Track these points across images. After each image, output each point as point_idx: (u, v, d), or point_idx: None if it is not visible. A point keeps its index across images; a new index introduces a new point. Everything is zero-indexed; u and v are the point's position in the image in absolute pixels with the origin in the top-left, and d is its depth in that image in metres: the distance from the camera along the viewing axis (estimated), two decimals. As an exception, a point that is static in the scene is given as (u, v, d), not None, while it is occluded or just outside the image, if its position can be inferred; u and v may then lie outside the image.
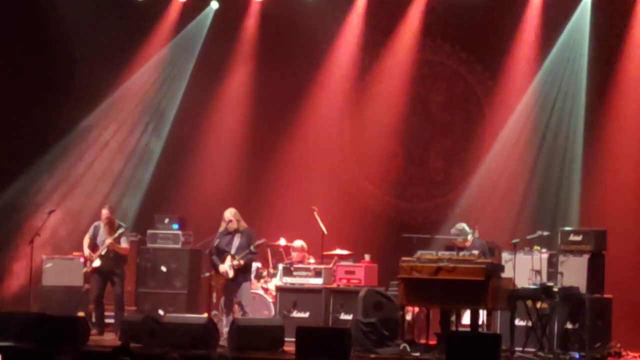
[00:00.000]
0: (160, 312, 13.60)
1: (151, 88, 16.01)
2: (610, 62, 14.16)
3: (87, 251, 13.58)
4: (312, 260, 13.84)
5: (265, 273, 14.05)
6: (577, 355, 11.94)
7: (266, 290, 13.81)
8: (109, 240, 13.44)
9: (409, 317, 12.68)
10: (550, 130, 14.57)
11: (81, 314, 13.25)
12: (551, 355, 11.89)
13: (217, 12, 15.80)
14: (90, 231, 13.71)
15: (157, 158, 15.77)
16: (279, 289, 13.53)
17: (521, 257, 12.68)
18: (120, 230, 13.53)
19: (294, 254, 13.94)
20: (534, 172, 14.59)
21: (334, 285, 13.42)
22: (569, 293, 12.24)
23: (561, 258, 12.71)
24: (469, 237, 12.63)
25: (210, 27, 15.82)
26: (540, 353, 11.95)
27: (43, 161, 15.36)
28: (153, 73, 16.04)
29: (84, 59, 15.43)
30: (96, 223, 13.73)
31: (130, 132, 15.97)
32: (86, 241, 13.65)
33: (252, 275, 13.44)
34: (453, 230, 12.70)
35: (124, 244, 13.63)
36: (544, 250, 12.88)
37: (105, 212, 13.65)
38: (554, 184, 14.42)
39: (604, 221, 13.45)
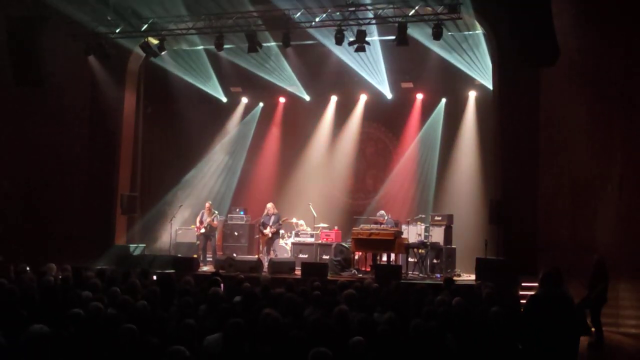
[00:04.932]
0: (234, 255, 13.66)
1: (230, 147, 15.86)
2: (453, 129, 14.17)
3: (197, 224, 13.59)
4: (309, 229, 13.88)
5: (286, 236, 14.01)
6: (438, 275, 11.97)
7: (286, 244, 13.82)
8: (208, 219, 13.43)
9: (357, 257, 12.77)
10: (423, 163, 14.46)
11: (195, 256, 13.30)
12: (426, 276, 11.95)
13: (262, 108, 15.82)
14: (199, 215, 13.72)
15: (236, 180, 15.64)
16: (293, 244, 13.54)
17: (411, 227, 12.84)
18: (214, 214, 13.52)
19: (300, 226, 13.95)
20: (415, 183, 14.42)
21: (320, 241, 13.42)
22: (435, 245, 12.37)
23: (431, 228, 12.83)
24: (386, 217, 12.77)
25: (259, 116, 15.82)
26: (421, 275, 12.05)
27: (179, 183, 15.34)
28: (231, 139, 15.91)
29: (195, 136, 15.39)
30: (202, 210, 13.72)
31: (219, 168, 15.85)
32: (197, 220, 13.66)
33: (280, 236, 13.46)
34: (377, 215, 12.82)
35: (216, 221, 13.58)
36: (422, 224, 12.97)
37: (207, 205, 13.69)
38: (425, 189, 14.32)
39: (450, 207, 13.49)
